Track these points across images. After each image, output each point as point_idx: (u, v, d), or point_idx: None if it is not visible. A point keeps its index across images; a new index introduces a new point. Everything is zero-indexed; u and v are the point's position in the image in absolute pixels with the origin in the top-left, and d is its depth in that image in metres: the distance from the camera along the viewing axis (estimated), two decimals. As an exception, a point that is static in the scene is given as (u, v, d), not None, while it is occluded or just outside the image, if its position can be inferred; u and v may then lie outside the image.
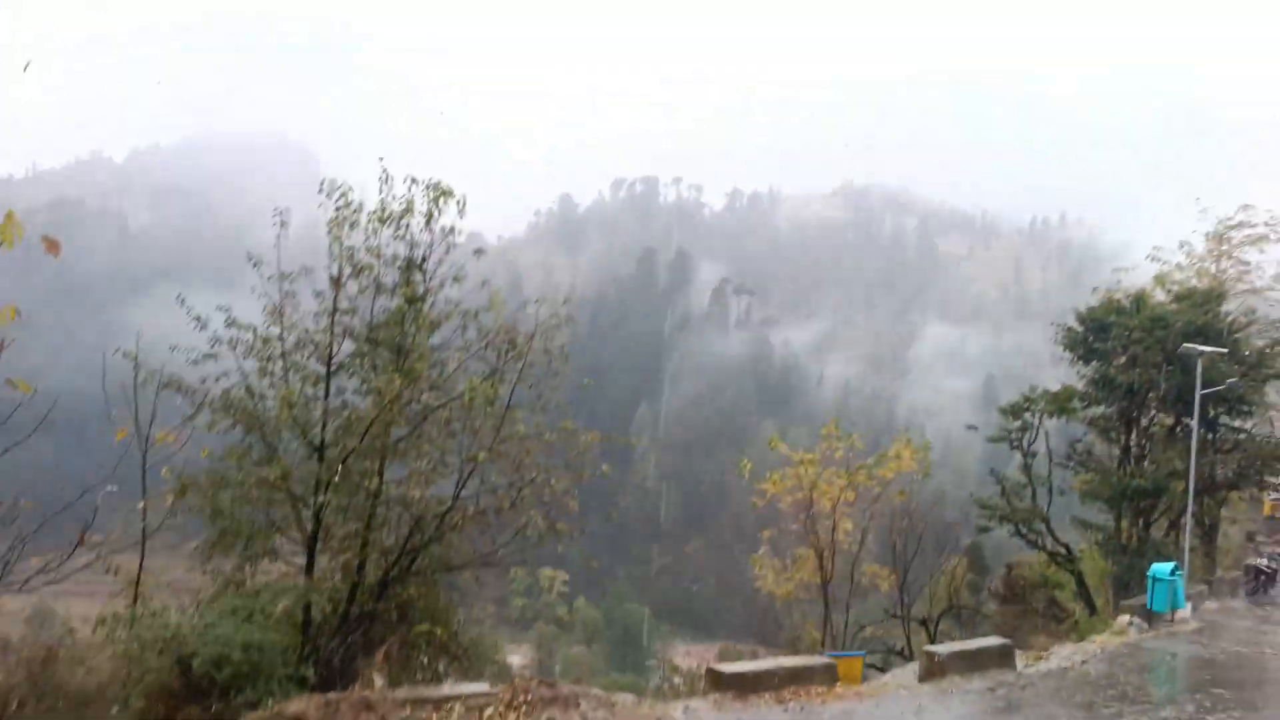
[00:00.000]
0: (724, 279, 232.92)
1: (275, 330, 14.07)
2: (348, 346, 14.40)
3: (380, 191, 14.13)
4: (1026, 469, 31.27)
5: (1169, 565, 23.71)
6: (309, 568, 13.75)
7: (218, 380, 13.55)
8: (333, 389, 14.32)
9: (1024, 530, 30.25)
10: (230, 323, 13.72)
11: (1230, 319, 32.77)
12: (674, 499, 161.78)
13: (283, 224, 13.50)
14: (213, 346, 13.51)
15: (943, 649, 15.60)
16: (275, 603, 12.91)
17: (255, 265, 13.70)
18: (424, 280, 14.69)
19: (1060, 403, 31.75)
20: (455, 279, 14.80)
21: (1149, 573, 23.71)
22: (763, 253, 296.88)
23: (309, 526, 13.72)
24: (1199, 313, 30.54)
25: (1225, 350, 29.05)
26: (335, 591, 13.86)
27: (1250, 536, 40.06)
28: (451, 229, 14.73)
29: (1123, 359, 31.10)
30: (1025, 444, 31.48)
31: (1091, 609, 29.23)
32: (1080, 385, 32.13)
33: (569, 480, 15.00)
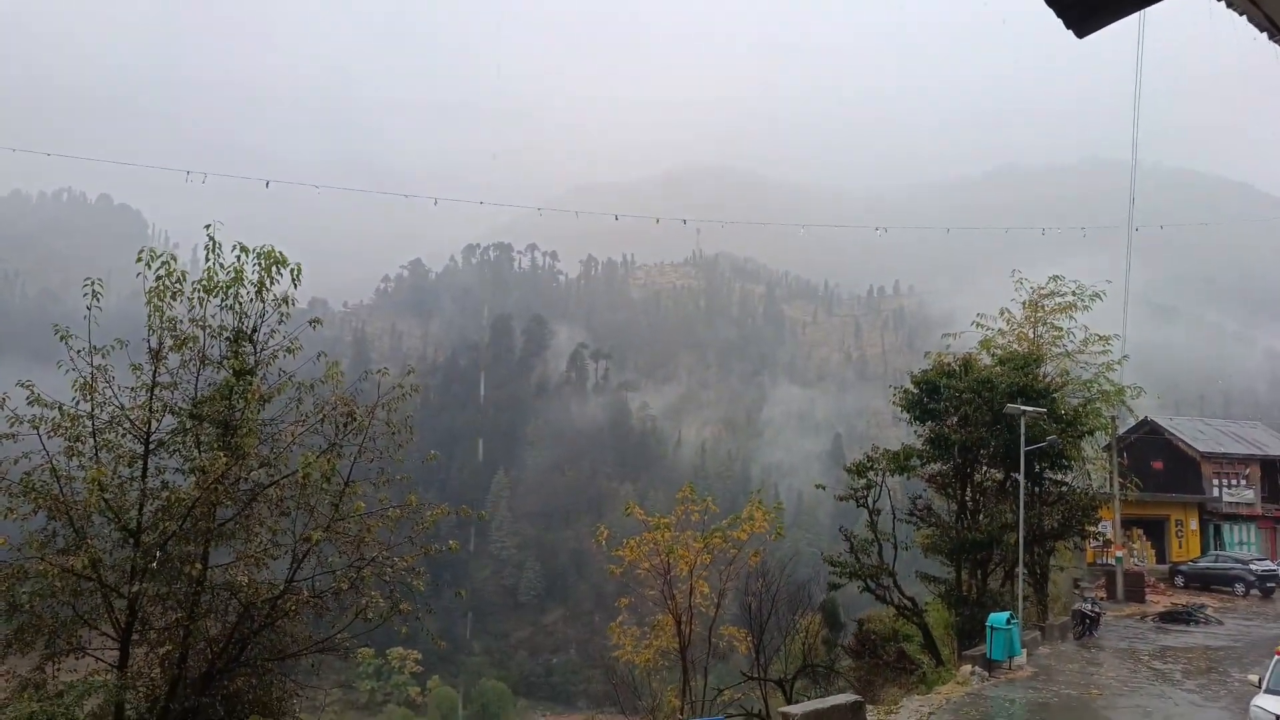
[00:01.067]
0: (581, 344, 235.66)
1: (86, 407, 13.22)
2: (169, 422, 13.69)
3: (207, 260, 13.60)
4: (873, 525, 32.21)
5: (1004, 615, 24.66)
6: (122, 662, 12.92)
7: (16, 462, 12.62)
8: (151, 468, 13.55)
9: (873, 585, 31.03)
10: (33, 400, 12.77)
11: (1048, 379, 34.33)
12: (532, 569, 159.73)
13: (95, 294, 12.80)
14: (11, 425, 12.43)
15: (797, 710, 15.74)
16: (81, 704, 12.01)
17: (63, 338, 12.87)
18: (254, 352, 14.07)
19: (900, 461, 33.00)
20: (289, 349, 14.17)
21: (987, 622, 24.57)
22: (619, 319, 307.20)
23: (122, 618, 12.96)
24: (1020, 374, 32.12)
25: (1044, 410, 30.15)
26: (153, 687, 13.00)
27: (1076, 583, 42.02)
28: (286, 299, 14.11)
29: (955, 418, 32.61)
30: (871, 501, 32.49)
31: (938, 659, 29.95)
32: (919, 444, 33.48)
33: (414, 558, 14.53)
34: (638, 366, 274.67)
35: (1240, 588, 41.64)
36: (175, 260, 13.65)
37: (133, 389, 13.59)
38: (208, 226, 13.26)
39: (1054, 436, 31.68)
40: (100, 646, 13.26)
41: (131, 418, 13.38)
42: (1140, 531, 48.86)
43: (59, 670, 12.81)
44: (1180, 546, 49.01)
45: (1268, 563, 43.06)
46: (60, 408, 13.04)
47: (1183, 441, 51.10)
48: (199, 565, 13.02)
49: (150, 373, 13.48)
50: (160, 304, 13.36)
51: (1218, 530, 49.25)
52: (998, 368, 34.07)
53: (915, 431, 34.13)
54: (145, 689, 12.78)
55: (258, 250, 13.83)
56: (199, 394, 13.82)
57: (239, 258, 13.73)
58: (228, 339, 13.98)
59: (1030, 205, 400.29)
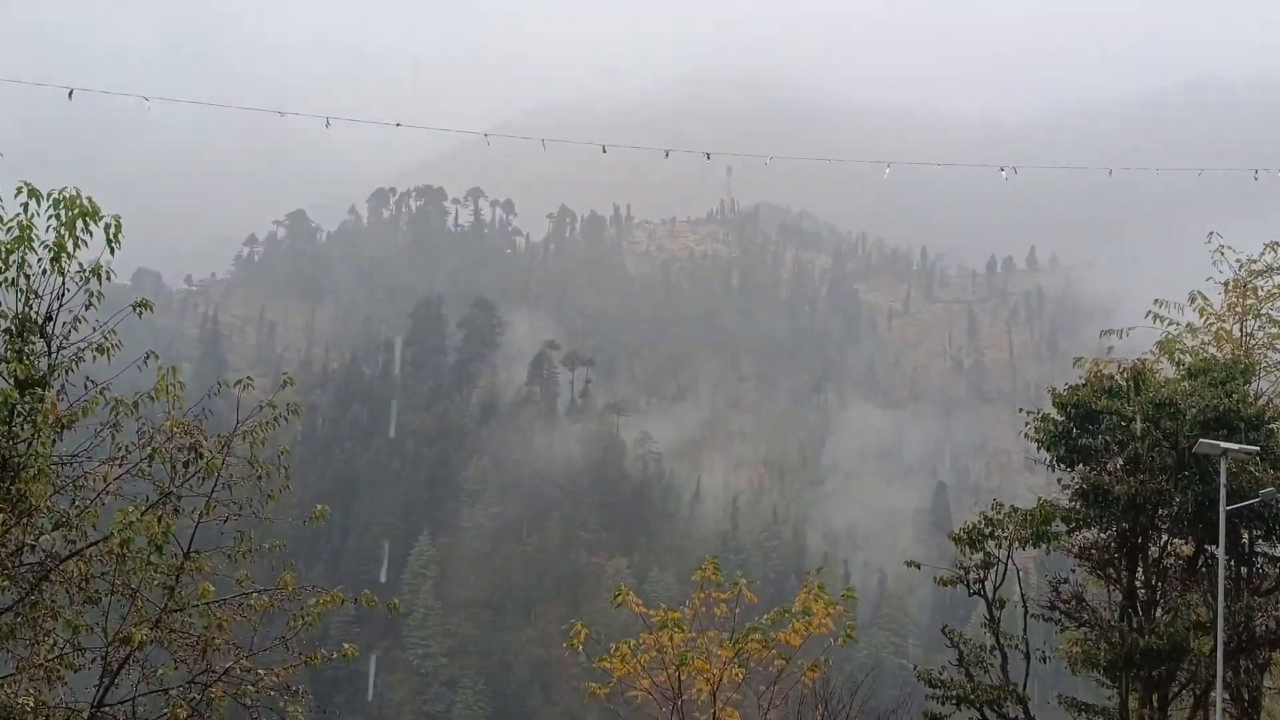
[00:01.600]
0: (549, 343, 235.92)
1: None
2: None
3: (-20, 211, 13.37)
4: (993, 625, 32.02)
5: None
6: None
7: None
8: None
9: (992, 717, 30.81)
10: None
11: (1262, 402, 33.99)
12: (471, 688, 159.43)
13: None
14: None
15: None
16: None
17: None
18: (48, 352, 14.01)
19: (1036, 525, 32.70)
20: (102, 348, 14.14)
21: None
22: (607, 304, 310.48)
23: None
24: (1220, 394, 31.81)
25: (1258, 448, 30.15)
26: None
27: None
28: (97, 270, 14.09)
29: (1120, 460, 32.48)
30: (990, 588, 32.36)
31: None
32: (1064, 499, 33.36)
33: (289, 670, 14.58)
34: (635, 377, 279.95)
35: None
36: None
37: None
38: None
39: (1272, 490, 31.51)
40: None
41: None
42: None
43: None
44: None
45: None
46: None
47: None
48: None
49: None
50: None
51: None
52: (1185, 383, 33.53)
53: (1059, 480, 34.04)
54: None
55: (53, 195, 13.66)
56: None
57: (24, 207, 13.57)
58: (5, 331, 13.82)
59: (1233, 135, 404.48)
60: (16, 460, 13.56)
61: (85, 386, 14.21)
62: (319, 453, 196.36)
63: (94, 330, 14.16)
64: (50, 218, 13.61)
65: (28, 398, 13.50)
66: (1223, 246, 40.57)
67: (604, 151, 42.44)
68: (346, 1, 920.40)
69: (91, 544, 13.90)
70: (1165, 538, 32.47)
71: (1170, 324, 39.87)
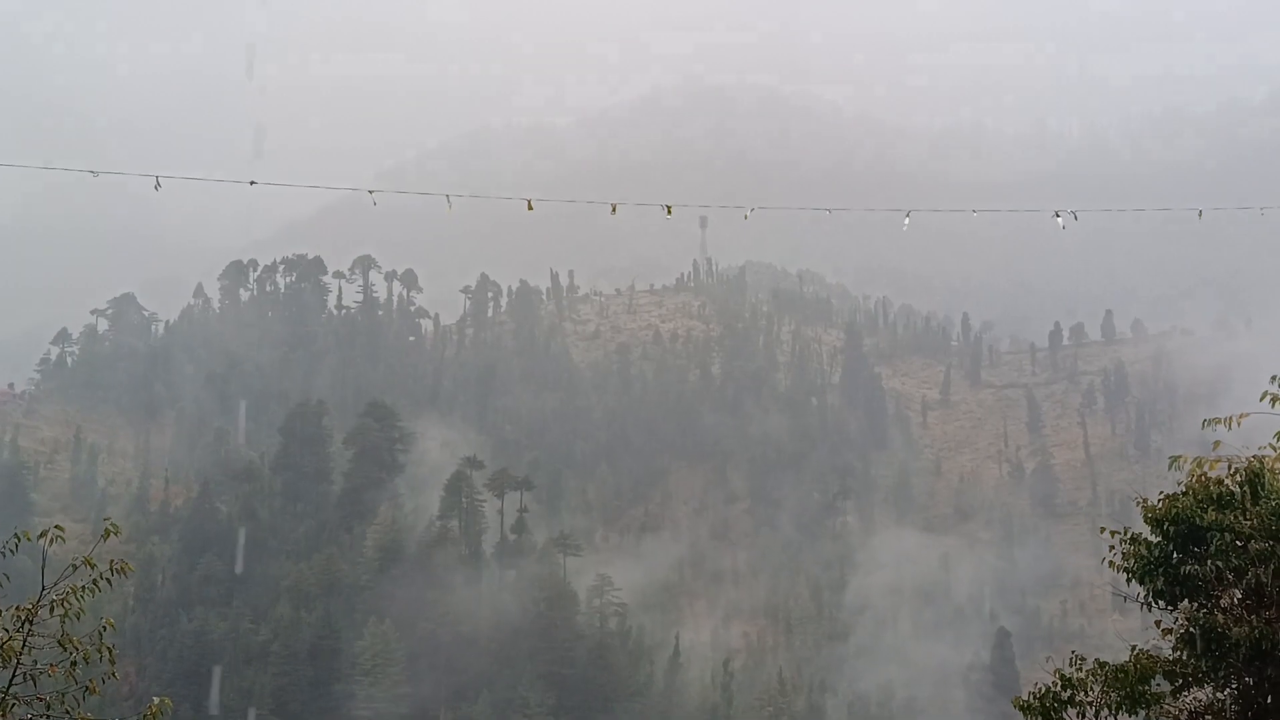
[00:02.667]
0: (468, 460, 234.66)
1: None
2: None
3: None
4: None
5: None
6: None
7: None
8: None
9: None
10: None
11: None
12: None
13: None
14: None
15: None
16: None
17: None
18: None
19: (1132, 685, 32.45)
20: None
21: None
22: (547, 406, 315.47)
23: None
24: None
25: None
26: None
27: None
28: None
29: (1238, 593, 32.24)
30: (1074, 773, 32.15)
31: None
32: (1166, 647, 33.18)
33: None
34: (587, 503, 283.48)
35: None
36: None
37: None
38: None
39: None
40: None
41: None
42: None
43: None
44: None
45: None
46: None
47: None
48: None
49: None
50: None
51: None
52: (1320, 487, 33.83)
53: (1158, 622, 33.87)
54: None
55: None
56: None
57: None
58: None
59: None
60: None
61: None
62: (159, 624, 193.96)
63: None
64: None
65: None
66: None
67: (530, 209, 41.57)
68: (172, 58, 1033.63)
69: None
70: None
71: (1294, 407, 39.96)
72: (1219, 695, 31.47)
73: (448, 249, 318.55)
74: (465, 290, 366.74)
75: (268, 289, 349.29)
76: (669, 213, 47.14)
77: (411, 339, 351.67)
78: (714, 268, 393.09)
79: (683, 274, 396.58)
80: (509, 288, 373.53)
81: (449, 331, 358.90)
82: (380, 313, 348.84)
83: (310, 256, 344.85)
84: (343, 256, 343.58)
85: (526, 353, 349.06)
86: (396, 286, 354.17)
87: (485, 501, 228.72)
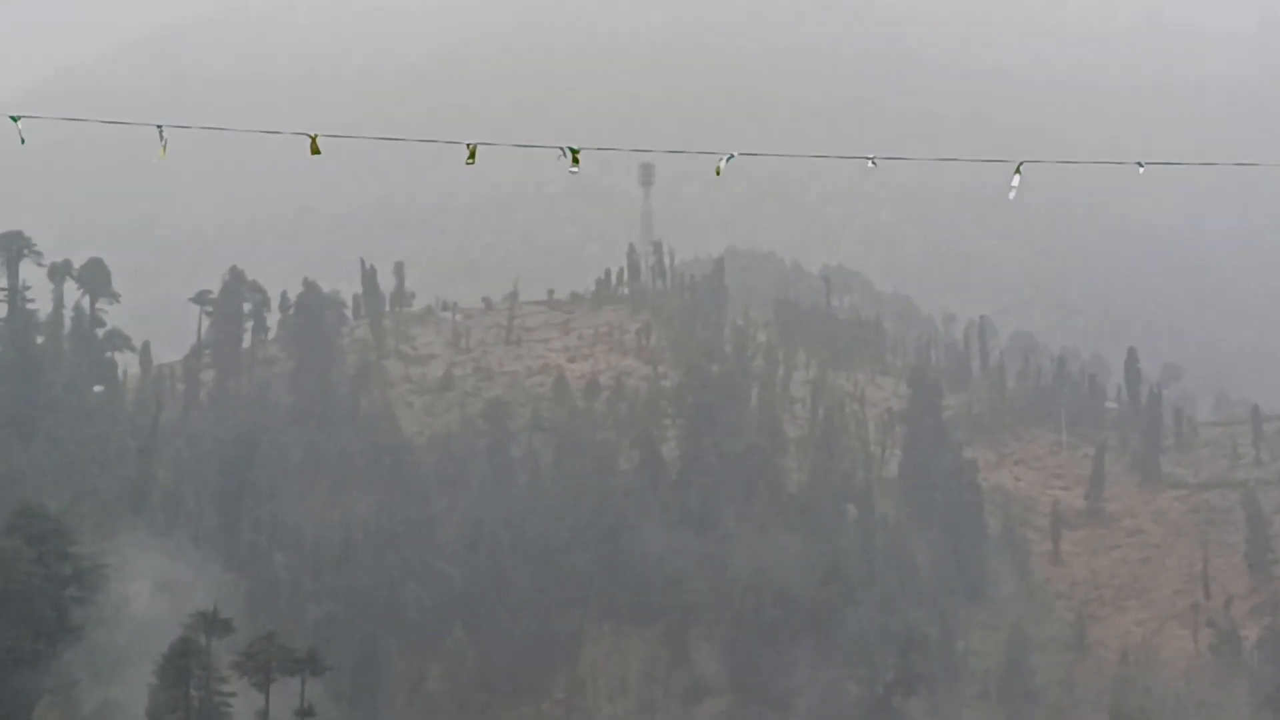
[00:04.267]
0: (201, 617, 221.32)
1: None
2: None
3: None
4: None
5: None
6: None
7: None
8: None
9: None
10: None
11: None
12: None
13: None
14: None
15: None
16: None
17: None
18: None
19: None
20: None
21: None
22: (354, 501, 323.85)
23: None
24: None
25: None
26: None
27: None
28: None
29: None
30: None
31: None
32: None
33: None
34: (429, 700, 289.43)
35: None
36: None
37: None
38: None
39: None
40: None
41: None
42: None
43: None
44: None
45: None
46: None
47: None
48: None
49: None
50: None
51: None
52: None
53: None
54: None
55: None
56: None
57: None
58: None
59: None
60: None
61: None
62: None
63: None
64: None
65: None
66: None
67: (315, 151, 49.13)
68: None
69: None
70: None
71: None
72: None
73: (161, 225, 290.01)
74: (200, 300, 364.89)
75: None
76: (574, 162, 49.68)
77: (99, 389, 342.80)
78: (667, 260, 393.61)
79: (608, 272, 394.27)
80: (282, 295, 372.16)
81: (169, 376, 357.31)
82: (41, 340, 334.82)
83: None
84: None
85: (314, 415, 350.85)
86: (71, 292, 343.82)
87: (234, 696, 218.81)
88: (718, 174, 56.52)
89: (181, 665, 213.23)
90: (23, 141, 49.04)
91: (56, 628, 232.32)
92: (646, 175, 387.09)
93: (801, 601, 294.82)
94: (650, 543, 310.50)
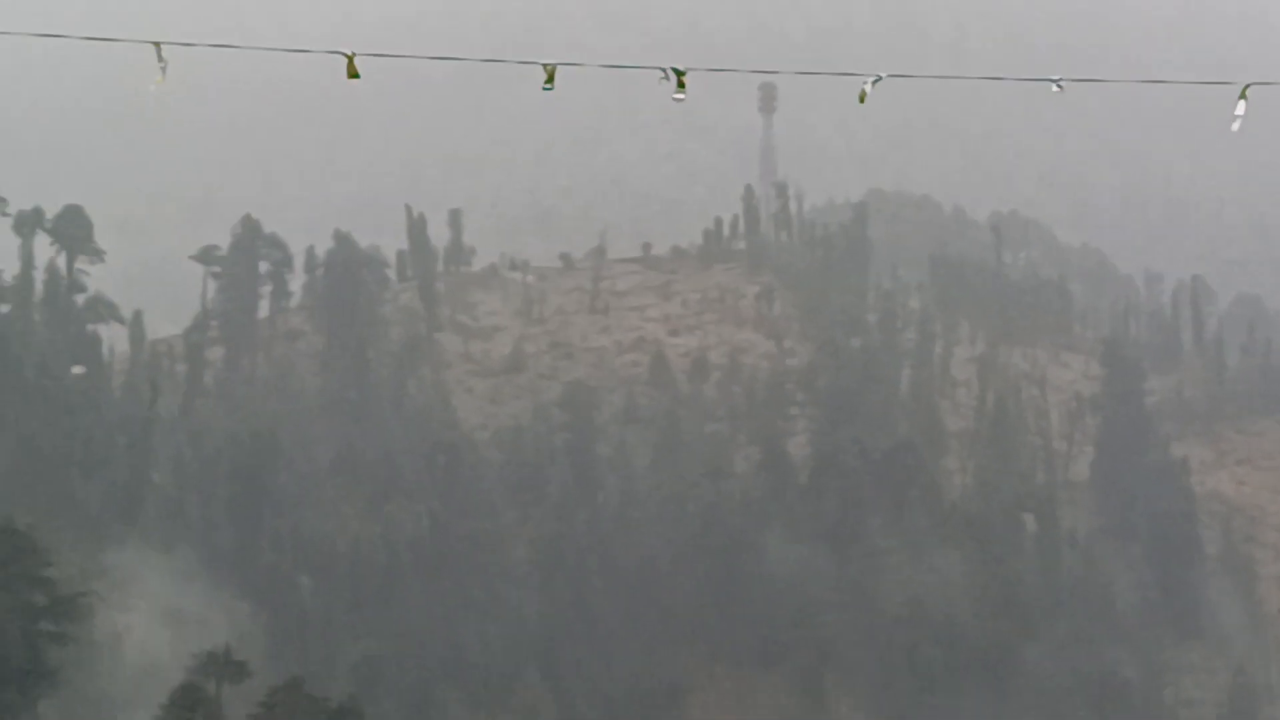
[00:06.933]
0: (210, 658, 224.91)
1: None
2: None
3: None
4: None
5: None
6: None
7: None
8: None
9: None
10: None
11: None
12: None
13: None
14: None
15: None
16: None
17: None
18: None
19: None
20: None
21: None
22: (399, 511, 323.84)
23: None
24: None
25: None
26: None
27: None
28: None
29: None
30: None
31: None
32: None
33: None
34: None
35: None
36: None
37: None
38: None
39: None
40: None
41: None
42: None
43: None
44: None
45: None
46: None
47: None
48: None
49: None
50: None
51: None
52: None
53: None
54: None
55: None
56: None
57: None
58: None
59: None
60: None
61: None
62: None
63: None
64: None
65: None
66: None
67: (353, 74, 45.10)
68: None
69: None
70: None
71: None
72: None
73: (155, 165, 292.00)
74: (205, 258, 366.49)
75: None
76: (679, 86, 47.94)
77: (79, 371, 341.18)
78: (794, 207, 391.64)
79: (719, 222, 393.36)
80: (307, 251, 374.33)
81: (166, 355, 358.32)
82: (5, 309, 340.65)
83: None
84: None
85: (349, 404, 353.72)
86: (43, 248, 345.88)
87: None
88: (861, 100, 52.86)
89: (186, 719, 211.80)
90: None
91: (28, 671, 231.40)
92: (768, 100, 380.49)
93: (968, 638, 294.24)
94: (774, 565, 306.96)
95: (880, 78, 49.80)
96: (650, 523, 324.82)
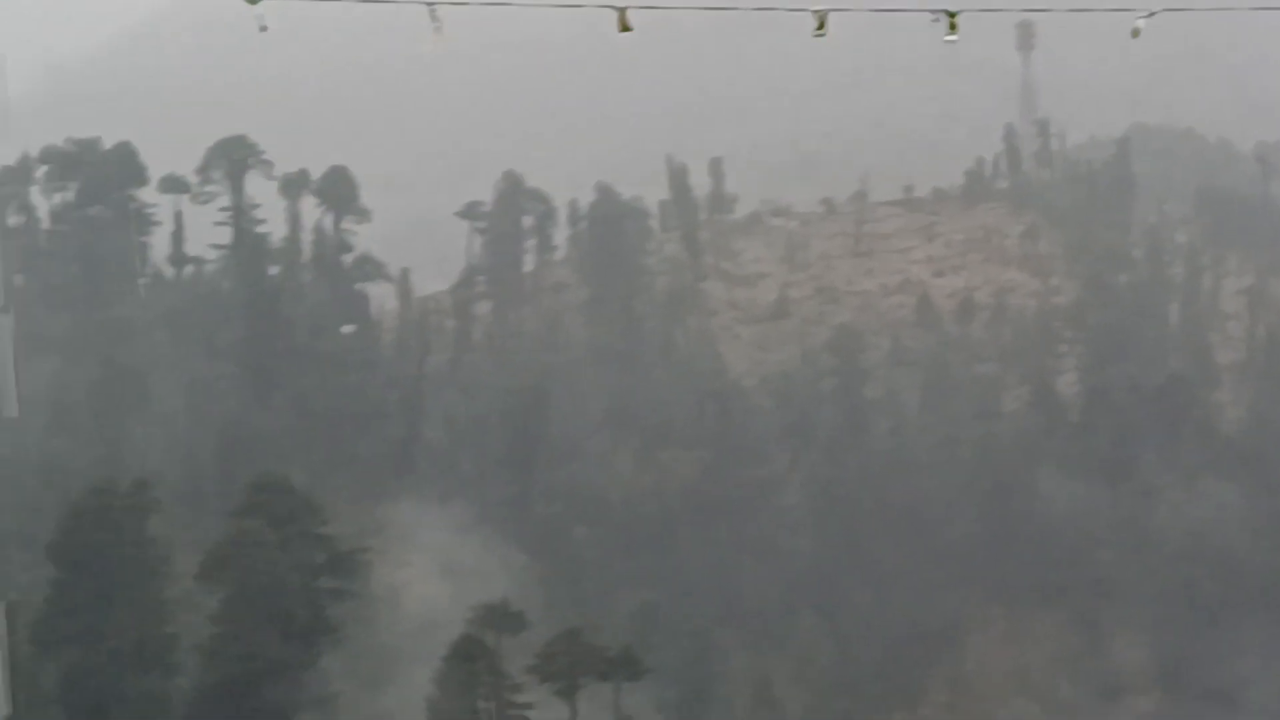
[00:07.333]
0: (486, 611, 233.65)
1: None
2: None
3: None
4: None
5: None
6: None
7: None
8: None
9: None
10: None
11: None
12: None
13: None
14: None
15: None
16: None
17: None
18: None
19: None
20: None
21: None
22: (669, 459, 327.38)
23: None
24: None
25: None
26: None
27: None
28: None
29: None
30: None
31: None
32: None
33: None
34: (772, 702, 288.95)
35: None
36: None
37: None
38: None
39: None
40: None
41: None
42: None
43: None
44: None
45: None
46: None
47: None
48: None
49: None
50: None
51: None
52: None
53: None
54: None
55: None
56: None
57: None
58: None
59: None
60: None
61: None
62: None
63: None
64: None
65: None
66: None
67: (625, 27, 49.45)
68: None
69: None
70: None
71: None
72: None
73: (414, 122, 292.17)
74: (470, 214, 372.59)
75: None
76: (951, 28, 52.55)
77: (349, 329, 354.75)
78: (1055, 144, 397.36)
79: (981, 162, 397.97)
80: (570, 204, 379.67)
81: (434, 311, 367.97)
82: (275, 270, 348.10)
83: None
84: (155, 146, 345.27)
85: (617, 354, 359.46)
86: (310, 210, 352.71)
87: (531, 709, 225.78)
88: (1134, 36, 54.83)
89: (466, 670, 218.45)
90: (263, 29, 49.27)
91: (310, 628, 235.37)
92: (1026, 38, 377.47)
93: (1248, 571, 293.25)
94: (1048, 503, 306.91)
95: (1153, 13, 50.87)
96: (921, 464, 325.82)
